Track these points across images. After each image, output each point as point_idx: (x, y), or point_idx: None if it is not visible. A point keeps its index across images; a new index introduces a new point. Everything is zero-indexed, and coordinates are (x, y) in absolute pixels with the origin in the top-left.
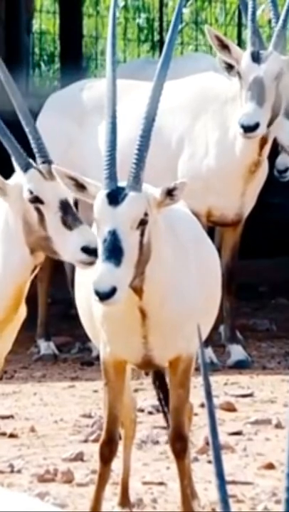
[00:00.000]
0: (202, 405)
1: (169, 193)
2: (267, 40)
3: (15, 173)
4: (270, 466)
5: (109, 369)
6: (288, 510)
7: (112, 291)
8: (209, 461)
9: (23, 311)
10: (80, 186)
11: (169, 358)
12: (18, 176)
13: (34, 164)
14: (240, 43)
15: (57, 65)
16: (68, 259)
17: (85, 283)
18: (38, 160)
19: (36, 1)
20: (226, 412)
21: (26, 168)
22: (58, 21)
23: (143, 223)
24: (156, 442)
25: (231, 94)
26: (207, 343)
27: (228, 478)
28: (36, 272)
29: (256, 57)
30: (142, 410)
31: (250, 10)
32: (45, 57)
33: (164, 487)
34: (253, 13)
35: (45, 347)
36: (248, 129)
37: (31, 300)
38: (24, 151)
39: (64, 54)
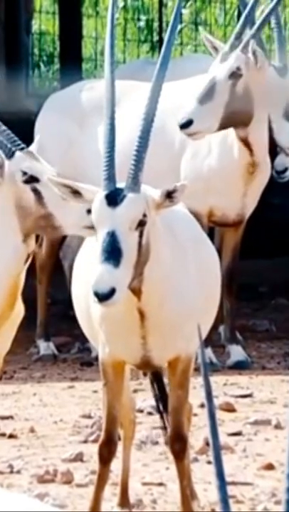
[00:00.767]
0: (202, 406)
1: (169, 195)
2: (267, 40)
3: None
4: (270, 467)
5: (108, 369)
6: (288, 511)
7: (111, 292)
8: (209, 462)
9: (20, 310)
10: (76, 193)
11: (168, 358)
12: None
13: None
14: None
15: (56, 66)
16: (72, 230)
17: (83, 283)
18: (14, 149)
19: (36, 2)
20: (225, 412)
21: (12, 153)
22: (57, 22)
23: (142, 224)
24: (156, 443)
25: None
26: (207, 343)
27: (227, 478)
28: (29, 262)
29: (222, 58)
30: (141, 411)
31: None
32: (45, 58)
33: (163, 488)
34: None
35: (45, 347)
36: (181, 126)
37: (31, 300)
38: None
39: (63, 55)
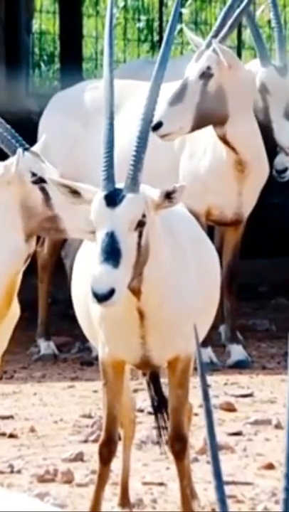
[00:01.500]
0: (202, 406)
1: (168, 196)
2: (267, 40)
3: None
4: (270, 467)
5: (108, 369)
6: (287, 510)
7: (111, 293)
8: (209, 462)
9: (16, 310)
10: (75, 193)
11: (168, 358)
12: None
13: (21, 149)
14: (240, 43)
15: (57, 65)
16: (76, 233)
17: (83, 283)
18: (19, 149)
19: (36, 1)
20: (225, 412)
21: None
22: (57, 21)
23: (141, 225)
24: (156, 443)
25: None
26: (207, 343)
27: (227, 478)
28: (28, 262)
29: (197, 57)
30: (141, 410)
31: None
32: (45, 58)
33: (163, 487)
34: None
35: (45, 347)
36: (152, 128)
37: (31, 300)
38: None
39: (64, 54)
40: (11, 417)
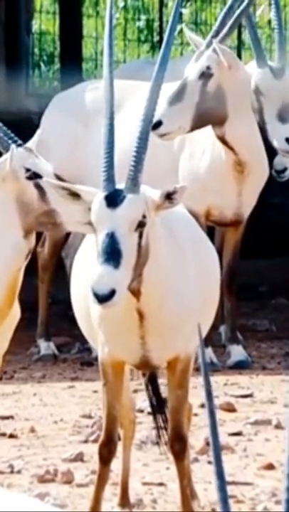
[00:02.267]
0: (202, 406)
1: (168, 197)
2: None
3: None
4: (270, 467)
5: (107, 370)
6: (288, 510)
7: (111, 294)
8: (209, 462)
9: (17, 311)
10: (75, 195)
11: (167, 358)
12: (7, 159)
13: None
14: (240, 43)
15: (57, 66)
16: (74, 226)
17: (82, 283)
18: (12, 145)
19: (36, 2)
20: (225, 412)
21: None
22: (57, 22)
23: (141, 225)
24: (156, 443)
25: None
26: (207, 343)
27: (228, 478)
28: (28, 259)
29: (197, 57)
30: (141, 411)
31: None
32: (45, 58)
33: (163, 487)
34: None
35: (45, 347)
36: (152, 127)
37: (31, 300)
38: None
39: (64, 54)
40: (11, 417)
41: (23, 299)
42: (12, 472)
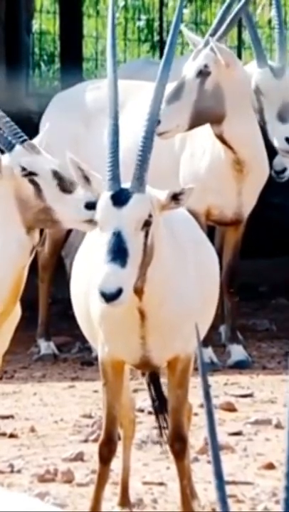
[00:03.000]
0: (202, 405)
1: (175, 197)
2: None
3: None
4: (270, 466)
5: (107, 369)
6: (287, 509)
7: (118, 293)
8: (209, 462)
9: (18, 310)
10: (86, 179)
11: (167, 358)
12: (4, 157)
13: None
14: (241, 43)
15: (57, 65)
16: (71, 224)
17: (82, 282)
18: (16, 141)
19: (36, 1)
20: (226, 412)
21: (11, 147)
22: (58, 21)
23: (147, 224)
24: (157, 442)
25: None
26: (207, 343)
27: (228, 478)
28: (33, 255)
29: (195, 55)
30: (141, 410)
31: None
32: (45, 58)
33: (164, 487)
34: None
35: (46, 347)
36: None
37: (31, 300)
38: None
39: (64, 54)
40: (11, 416)
41: (24, 298)
42: (12, 472)
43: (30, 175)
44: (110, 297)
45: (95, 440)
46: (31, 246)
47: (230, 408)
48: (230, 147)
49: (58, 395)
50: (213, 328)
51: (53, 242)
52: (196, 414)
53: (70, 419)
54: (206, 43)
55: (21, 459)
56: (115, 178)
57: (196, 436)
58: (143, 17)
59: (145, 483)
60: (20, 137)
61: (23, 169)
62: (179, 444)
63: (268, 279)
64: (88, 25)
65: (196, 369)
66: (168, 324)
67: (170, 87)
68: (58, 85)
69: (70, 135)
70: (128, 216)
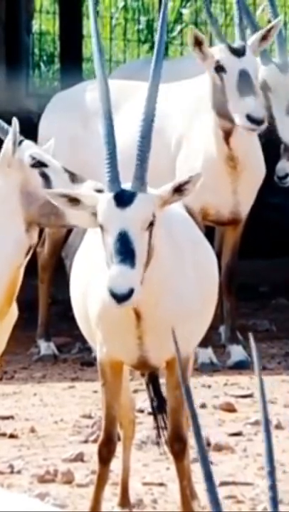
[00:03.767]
0: (202, 406)
1: (178, 189)
2: None
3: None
4: None
5: (106, 369)
6: (274, 509)
7: (130, 293)
8: (210, 462)
9: (14, 311)
10: (75, 201)
11: (165, 359)
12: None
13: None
14: None
15: (57, 66)
16: (75, 220)
17: (81, 283)
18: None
19: (36, 2)
20: (225, 412)
21: (20, 142)
22: (57, 22)
23: (151, 224)
24: (157, 443)
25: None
26: (207, 343)
27: (228, 479)
28: (30, 255)
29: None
30: (141, 411)
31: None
32: (45, 58)
33: (164, 488)
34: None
35: (45, 347)
36: (257, 121)
37: (31, 300)
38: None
39: (64, 54)
40: (11, 417)
41: (23, 298)
42: (12, 472)
43: (40, 166)
44: (122, 298)
45: (95, 441)
46: (28, 245)
47: (230, 408)
48: (228, 142)
49: (58, 396)
50: (213, 328)
51: (52, 243)
52: None
53: (70, 420)
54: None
55: (21, 460)
56: (115, 178)
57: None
58: (143, 18)
59: (145, 483)
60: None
61: (33, 158)
62: (178, 445)
63: (267, 279)
64: (88, 26)
65: (196, 369)
66: (165, 325)
67: (171, 87)
68: (57, 85)
69: (69, 135)
70: (133, 216)
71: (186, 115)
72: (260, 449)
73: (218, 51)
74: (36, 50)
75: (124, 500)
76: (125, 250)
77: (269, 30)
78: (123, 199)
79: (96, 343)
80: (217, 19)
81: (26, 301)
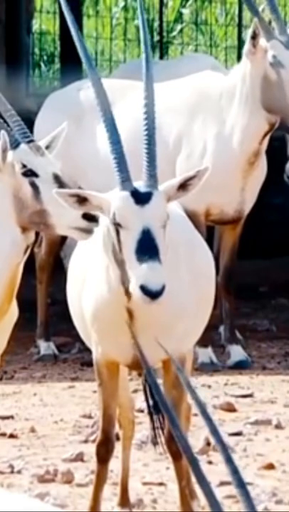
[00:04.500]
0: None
1: (183, 185)
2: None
3: None
4: (270, 467)
5: (102, 369)
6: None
7: (163, 289)
8: (210, 462)
9: (15, 310)
10: (83, 200)
11: (160, 359)
12: (8, 154)
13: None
14: (241, 44)
15: (57, 66)
16: (64, 230)
17: (78, 283)
18: (22, 140)
19: (36, 2)
20: (226, 412)
21: (16, 144)
22: (58, 22)
23: (166, 221)
24: (155, 443)
25: (226, 88)
26: (207, 343)
27: (228, 479)
28: (28, 253)
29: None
30: (141, 411)
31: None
32: (45, 58)
33: (163, 487)
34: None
35: (45, 347)
36: None
37: (31, 300)
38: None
39: (64, 54)
40: (11, 417)
41: (23, 298)
42: (12, 472)
43: (30, 175)
44: (156, 294)
45: (95, 440)
46: (25, 245)
47: (230, 408)
48: (265, 136)
49: (57, 396)
50: (214, 328)
51: (49, 243)
52: (195, 415)
53: (70, 420)
54: None
55: (21, 460)
56: (127, 177)
57: (196, 437)
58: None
59: (145, 483)
60: (28, 137)
61: (24, 166)
62: (176, 445)
63: (268, 279)
64: (88, 25)
65: (196, 369)
66: (158, 324)
67: (170, 87)
68: (57, 85)
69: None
70: (154, 213)
71: (185, 113)
72: (260, 449)
73: (272, 46)
74: (36, 50)
75: (124, 500)
76: (152, 247)
77: None
78: (141, 197)
79: (92, 343)
80: (262, 17)
81: (26, 301)
